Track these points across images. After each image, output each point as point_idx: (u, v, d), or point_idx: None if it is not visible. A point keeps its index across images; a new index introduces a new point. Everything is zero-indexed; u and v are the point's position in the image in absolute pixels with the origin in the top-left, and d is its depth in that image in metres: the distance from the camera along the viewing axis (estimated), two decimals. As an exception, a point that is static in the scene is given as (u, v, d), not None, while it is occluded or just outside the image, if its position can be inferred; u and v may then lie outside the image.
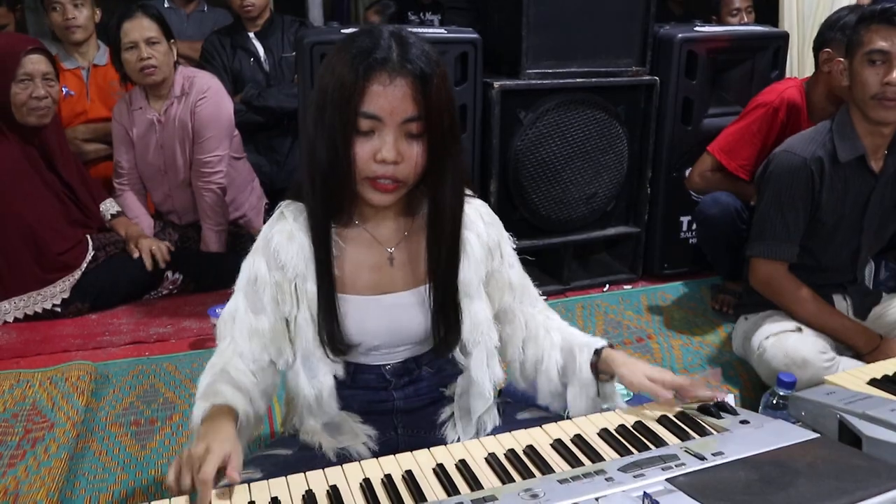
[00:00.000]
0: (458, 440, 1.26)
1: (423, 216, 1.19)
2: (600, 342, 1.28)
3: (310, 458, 1.20)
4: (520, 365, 1.33)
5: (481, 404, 1.26)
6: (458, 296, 1.20)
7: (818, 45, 2.24)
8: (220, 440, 0.99)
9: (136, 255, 2.44)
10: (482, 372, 1.25)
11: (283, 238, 1.15)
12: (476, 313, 1.23)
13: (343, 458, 1.21)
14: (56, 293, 2.32)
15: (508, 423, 1.29)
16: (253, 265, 1.18)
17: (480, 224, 1.24)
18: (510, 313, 1.31)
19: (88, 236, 2.41)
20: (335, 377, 1.21)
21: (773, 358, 1.83)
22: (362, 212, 1.18)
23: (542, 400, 1.31)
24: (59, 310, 2.34)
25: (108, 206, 2.59)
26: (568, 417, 1.28)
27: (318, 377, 1.19)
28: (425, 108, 1.05)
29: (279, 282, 1.16)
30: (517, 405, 1.35)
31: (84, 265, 2.35)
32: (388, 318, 1.20)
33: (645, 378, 1.19)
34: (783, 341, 1.83)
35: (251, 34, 3.00)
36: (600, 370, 1.26)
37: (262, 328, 1.17)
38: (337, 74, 1.05)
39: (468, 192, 1.22)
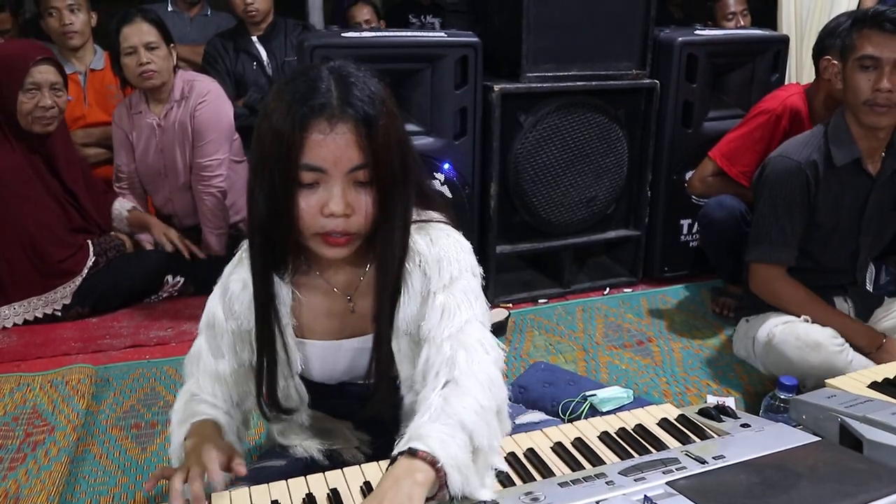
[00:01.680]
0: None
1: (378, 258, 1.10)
2: (406, 448, 0.90)
3: (304, 467, 1.19)
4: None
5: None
6: (391, 343, 1.10)
7: (818, 53, 2.24)
8: (210, 444, 0.98)
9: (168, 247, 2.51)
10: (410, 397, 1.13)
11: (238, 287, 1.11)
12: (406, 351, 1.12)
13: (335, 458, 1.21)
14: (57, 299, 2.33)
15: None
16: (212, 310, 1.16)
17: (425, 245, 1.09)
18: (427, 339, 1.08)
19: (90, 241, 2.42)
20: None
21: (783, 342, 1.83)
22: (318, 260, 1.11)
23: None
24: (59, 314, 2.35)
25: (122, 204, 2.62)
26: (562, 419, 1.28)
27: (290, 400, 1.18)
28: (371, 153, 0.96)
29: (234, 330, 1.13)
30: (518, 408, 1.35)
31: (85, 271, 2.36)
32: (349, 362, 1.17)
33: None
34: (794, 327, 1.84)
35: (254, 38, 3.00)
36: None
37: (223, 372, 1.15)
38: (273, 123, 0.96)
39: (437, 216, 1.13)
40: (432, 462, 0.86)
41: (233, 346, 1.14)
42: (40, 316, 2.32)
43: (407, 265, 1.07)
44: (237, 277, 1.12)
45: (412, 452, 0.86)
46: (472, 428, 0.91)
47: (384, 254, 1.05)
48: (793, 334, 1.82)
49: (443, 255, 1.08)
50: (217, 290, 1.16)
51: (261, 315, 1.08)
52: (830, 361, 1.76)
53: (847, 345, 1.82)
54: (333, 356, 1.16)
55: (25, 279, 2.29)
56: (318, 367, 1.16)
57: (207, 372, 1.16)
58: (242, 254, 1.13)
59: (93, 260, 2.39)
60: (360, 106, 0.95)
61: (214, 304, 1.15)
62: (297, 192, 0.98)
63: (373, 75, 1.01)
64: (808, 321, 1.87)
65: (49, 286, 2.32)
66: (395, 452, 0.89)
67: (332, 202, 0.97)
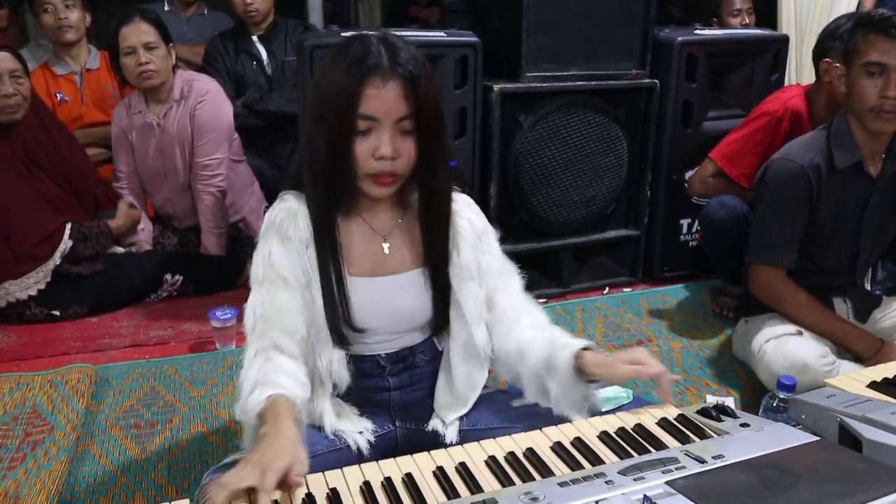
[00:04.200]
0: (450, 422, 1.30)
1: (413, 206, 1.28)
2: (580, 343, 1.25)
3: (308, 437, 1.20)
4: (503, 354, 1.33)
5: (465, 383, 1.30)
6: (449, 277, 1.27)
7: (818, 55, 2.24)
8: (281, 449, 0.97)
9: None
10: (459, 352, 1.30)
11: (287, 215, 1.21)
12: (467, 295, 1.28)
13: (342, 442, 1.23)
14: (30, 284, 2.29)
15: (503, 410, 1.31)
16: (265, 246, 1.21)
17: (471, 213, 1.32)
18: (493, 300, 1.33)
19: (68, 226, 2.35)
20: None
21: (773, 361, 1.82)
22: (359, 203, 1.25)
23: (528, 394, 1.31)
24: (58, 313, 2.35)
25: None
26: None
27: (328, 349, 1.23)
28: (416, 106, 1.14)
29: (292, 251, 1.20)
30: (511, 394, 1.35)
31: (58, 256, 2.31)
32: (387, 299, 1.26)
33: (625, 367, 1.18)
34: (783, 345, 1.83)
35: (254, 38, 3.00)
36: (582, 371, 1.23)
37: (293, 301, 1.19)
38: (334, 82, 1.13)
39: (455, 186, 1.29)
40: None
41: (293, 272, 1.20)
42: (13, 301, 2.29)
43: (455, 218, 1.27)
44: (282, 208, 1.22)
45: (587, 348, 1.21)
46: None
47: (428, 192, 1.24)
48: (781, 353, 1.81)
49: (487, 225, 1.34)
50: (264, 230, 1.23)
51: (329, 250, 1.21)
52: (819, 382, 1.74)
53: (837, 363, 1.81)
54: (372, 294, 1.25)
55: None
56: (358, 305, 1.23)
57: (276, 306, 1.18)
58: (282, 196, 1.25)
59: (69, 245, 2.33)
60: (407, 66, 1.13)
61: (266, 240, 1.22)
62: (354, 138, 1.14)
63: (415, 48, 1.18)
64: (801, 333, 1.86)
65: (22, 271, 2.29)
66: (578, 348, 1.21)
67: (383, 146, 1.14)
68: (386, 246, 1.27)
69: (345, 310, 1.22)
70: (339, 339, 1.23)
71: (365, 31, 1.20)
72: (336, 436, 1.24)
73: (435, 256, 1.27)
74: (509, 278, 1.35)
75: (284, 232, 1.20)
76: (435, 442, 1.28)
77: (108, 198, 2.59)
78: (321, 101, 1.16)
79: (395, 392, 1.31)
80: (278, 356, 1.15)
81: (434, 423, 1.32)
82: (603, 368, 1.20)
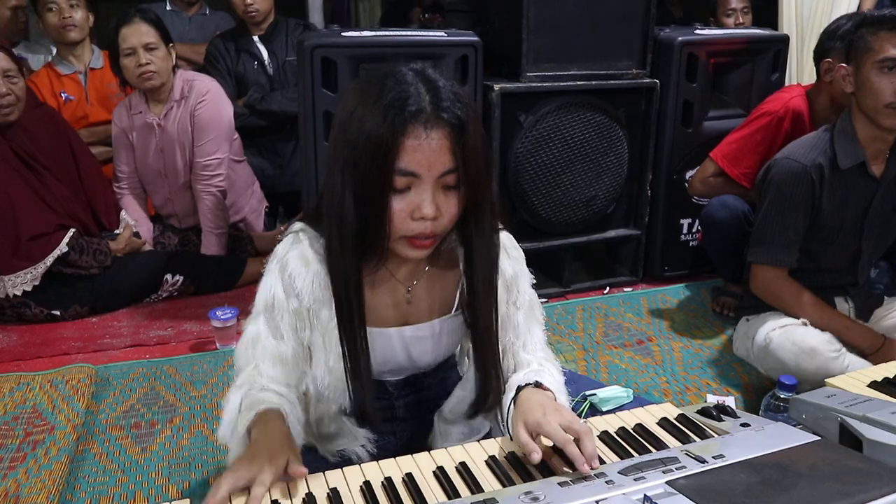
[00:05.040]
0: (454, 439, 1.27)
1: (445, 251, 1.18)
2: (527, 380, 1.14)
3: (308, 462, 1.20)
4: None
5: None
6: (496, 342, 1.17)
7: (819, 55, 2.24)
8: (274, 449, 0.96)
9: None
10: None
11: (300, 265, 1.11)
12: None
13: (344, 458, 1.22)
14: (17, 283, 2.28)
15: None
16: (270, 289, 1.13)
17: (505, 259, 1.19)
18: (504, 352, 1.24)
19: (70, 233, 2.34)
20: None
21: (780, 347, 1.83)
22: (385, 257, 1.14)
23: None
24: (58, 313, 2.35)
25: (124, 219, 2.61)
26: None
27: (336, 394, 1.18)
28: (463, 158, 1.00)
29: (296, 309, 1.12)
30: None
31: (50, 259, 2.29)
32: (407, 349, 1.21)
33: (519, 433, 1.03)
34: (790, 332, 1.84)
35: (255, 38, 3.00)
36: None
37: (285, 354, 1.13)
38: (368, 129, 0.98)
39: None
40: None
41: (293, 326, 1.13)
42: (2, 296, 2.28)
43: None
44: (296, 255, 1.11)
45: (538, 385, 1.11)
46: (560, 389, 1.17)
47: (473, 248, 1.10)
48: (789, 339, 1.83)
49: (520, 270, 1.22)
50: (273, 268, 1.14)
51: (346, 309, 1.09)
52: (826, 367, 1.75)
53: (843, 350, 1.82)
54: (394, 344, 1.19)
55: None
56: (376, 357, 1.16)
57: (268, 354, 1.13)
58: (299, 234, 1.13)
59: (64, 251, 2.31)
60: (453, 111, 0.98)
61: (272, 283, 1.13)
62: (391, 195, 1.00)
63: (450, 79, 1.04)
64: (805, 324, 1.87)
65: (16, 267, 2.28)
66: (521, 384, 1.12)
67: (424, 206, 1.00)
68: (409, 297, 1.18)
69: (366, 365, 1.12)
70: (354, 389, 1.14)
71: (399, 67, 1.04)
72: (339, 455, 1.23)
73: (479, 318, 1.15)
74: (528, 337, 1.23)
75: (292, 285, 1.10)
76: None
77: (113, 204, 2.60)
78: (351, 148, 1.00)
79: (399, 410, 1.29)
80: (266, 383, 1.12)
81: (435, 437, 1.29)
82: (518, 408, 1.08)
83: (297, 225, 1.15)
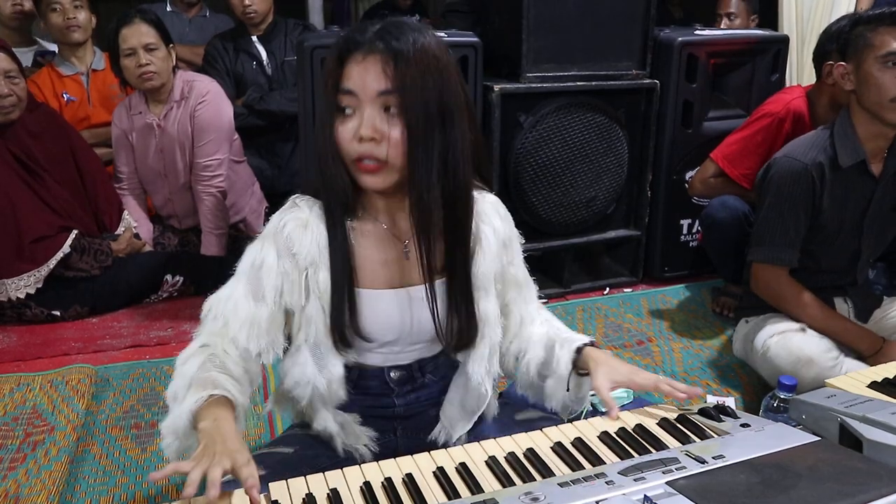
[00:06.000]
0: (455, 439, 1.26)
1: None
2: (583, 339, 1.27)
3: (311, 458, 1.20)
4: (503, 357, 1.33)
5: (477, 400, 1.26)
6: (471, 290, 1.18)
7: (819, 57, 2.24)
8: (229, 450, 0.94)
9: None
10: (481, 368, 1.22)
11: (298, 226, 1.13)
12: (486, 308, 1.22)
13: (349, 454, 1.22)
14: (21, 286, 2.28)
15: (507, 423, 1.29)
16: (260, 251, 1.14)
17: (496, 219, 1.23)
18: (508, 309, 1.31)
19: (73, 235, 2.35)
20: (345, 366, 1.19)
21: (777, 356, 1.83)
22: (375, 205, 1.16)
23: (521, 389, 1.33)
24: (59, 314, 2.35)
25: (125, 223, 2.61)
26: (562, 419, 1.28)
27: (327, 367, 1.17)
28: (399, 82, 1.04)
29: (288, 271, 1.12)
30: (515, 406, 1.35)
31: (53, 262, 2.30)
32: (403, 312, 1.18)
33: (606, 388, 1.17)
34: (788, 340, 1.84)
35: (254, 38, 3.00)
36: (580, 367, 1.25)
37: (259, 317, 1.12)
38: (325, 64, 1.12)
39: (481, 186, 1.21)
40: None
41: (277, 289, 1.13)
42: (4, 300, 2.28)
43: (479, 223, 1.19)
44: (294, 216, 1.14)
45: (592, 344, 1.26)
46: None
47: (418, 189, 1.08)
48: (786, 348, 1.82)
49: (512, 232, 1.28)
50: (267, 232, 1.15)
51: (340, 259, 1.12)
52: (824, 376, 1.75)
53: (841, 357, 1.82)
54: (387, 306, 1.17)
55: None
56: (369, 319, 1.16)
57: (240, 313, 1.12)
58: (295, 200, 1.17)
59: (67, 252, 2.32)
60: (391, 42, 1.05)
61: (263, 245, 1.14)
62: (337, 119, 1.08)
63: (430, 35, 1.09)
64: (804, 329, 1.87)
65: (19, 270, 2.28)
66: (579, 344, 1.25)
67: (362, 126, 1.06)
68: (406, 254, 1.17)
69: (353, 320, 1.13)
70: (343, 343, 1.14)
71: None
72: (345, 450, 1.23)
73: (453, 268, 1.16)
74: (528, 290, 1.33)
75: (290, 248, 1.12)
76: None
77: (116, 204, 2.60)
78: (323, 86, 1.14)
79: (399, 408, 1.28)
80: (226, 357, 1.10)
81: (437, 435, 1.28)
82: (598, 367, 1.21)
83: (296, 195, 1.18)
